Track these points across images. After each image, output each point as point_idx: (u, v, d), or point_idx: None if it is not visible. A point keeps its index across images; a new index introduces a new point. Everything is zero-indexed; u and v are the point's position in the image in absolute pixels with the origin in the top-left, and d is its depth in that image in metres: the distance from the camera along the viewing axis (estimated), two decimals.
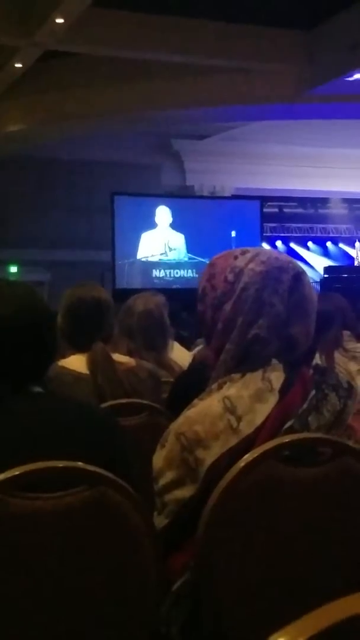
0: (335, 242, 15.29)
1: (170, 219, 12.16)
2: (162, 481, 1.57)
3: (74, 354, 2.74)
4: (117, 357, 2.78)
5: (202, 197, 13.57)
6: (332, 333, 3.38)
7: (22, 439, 1.48)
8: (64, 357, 2.76)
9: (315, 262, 14.49)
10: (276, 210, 14.74)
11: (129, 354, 3.08)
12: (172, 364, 3.40)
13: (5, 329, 1.55)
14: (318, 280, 11.65)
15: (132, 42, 8.47)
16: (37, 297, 1.66)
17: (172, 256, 12.17)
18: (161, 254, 12.13)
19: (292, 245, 14.78)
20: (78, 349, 2.73)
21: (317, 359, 3.26)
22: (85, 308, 2.75)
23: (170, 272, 12.15)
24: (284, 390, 1.59)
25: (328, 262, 14.17)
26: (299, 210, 15.05)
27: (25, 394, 1.57)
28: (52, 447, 1.46)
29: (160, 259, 12.14)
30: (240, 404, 1.56)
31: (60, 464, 1.38)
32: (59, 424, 1.54)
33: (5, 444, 1.46)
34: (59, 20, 7.54)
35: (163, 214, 12.15)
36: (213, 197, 13.56)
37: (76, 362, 2.68)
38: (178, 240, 12.19)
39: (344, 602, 0.71)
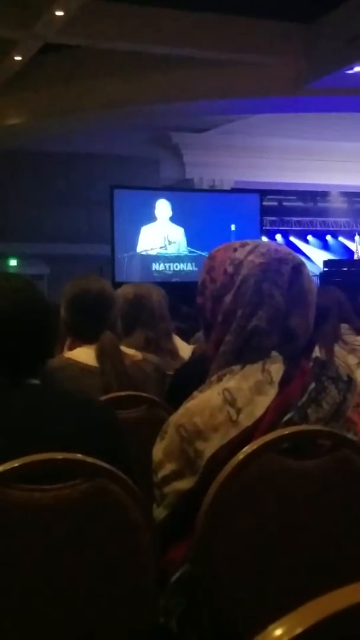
0: (334, 235, 15.28)
1: (170, 213, 12.11)
2: (162, 473, 1.58)
3: (80, 346, 2.72)
4: (123, 349, 2.77)
5: (201, 190, 13.55)
6: (329, 326, 3.38)
7: (20, 432, 1.48)
8: (70, 349, 2.74)
9: (315, 256, 14.48)
10: (276, 203, 14.73)
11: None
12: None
13: (3, 322, 1.55)
14: (318, 273, 11.63)
15: (132, 35, 8.46)
16: (35, 290, 1.66)
17: (171, 250, 12.13)
18: (161, 248, 12.09)
19: (292, 238, 14.77)
20: (84, 341, 2.71)
21: (317, 352, 3.26)
22: (90, 299, 2.72)
23: (169, 266, 12.12)
24: (283, 383, 1.59)
25: (328, 256, 14.16)
26: (299, 203, 15.04)
27: (24, 387, 1.57)
28: (50, 440, 1.46)
29: (159, 253, 12.10)
30: (239, 396, 1.56)
31: (60, 455, 1.38)
32: (57, 416, 1.54)
33: (3, 437, 1.46)
34: (59, 13, 7.53)
35: (163, 207, 12.10)
36: (213, 191, 13.53)
37: (83, 354, 2.65)
38: (178, 234, 12.15)
39: (343, 592, 0.71)
